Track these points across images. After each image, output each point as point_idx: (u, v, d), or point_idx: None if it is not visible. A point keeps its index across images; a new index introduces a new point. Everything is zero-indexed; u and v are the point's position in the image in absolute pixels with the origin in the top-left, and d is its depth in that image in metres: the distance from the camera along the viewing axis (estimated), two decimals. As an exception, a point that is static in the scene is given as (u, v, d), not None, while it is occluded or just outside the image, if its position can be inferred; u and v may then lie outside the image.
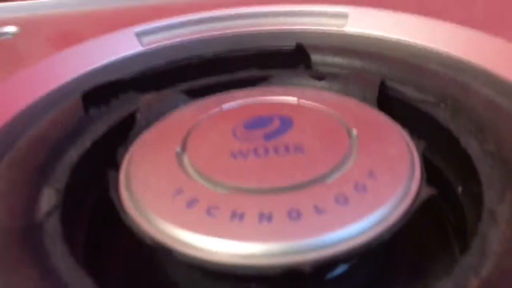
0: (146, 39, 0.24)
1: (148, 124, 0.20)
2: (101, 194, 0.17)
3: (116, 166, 0.18)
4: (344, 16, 0.25)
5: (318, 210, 0.15)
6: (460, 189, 0.19)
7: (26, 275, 0.13)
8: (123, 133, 0.20)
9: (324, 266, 0.14)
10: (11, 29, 0.25)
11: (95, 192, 0.18)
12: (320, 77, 0.23)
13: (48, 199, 0.17)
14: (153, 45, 0.24)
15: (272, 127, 0.18)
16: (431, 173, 0.17)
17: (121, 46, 0.24)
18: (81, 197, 0.18)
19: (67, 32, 0.25)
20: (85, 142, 0.20)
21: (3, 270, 0.13)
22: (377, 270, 0.17)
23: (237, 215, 0.15)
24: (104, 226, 0.17)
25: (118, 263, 0.18)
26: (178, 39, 0.25)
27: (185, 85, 0.24)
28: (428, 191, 0.16)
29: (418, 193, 0.16)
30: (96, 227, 0.17)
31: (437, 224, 0.19)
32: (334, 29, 0.25)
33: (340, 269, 0.16)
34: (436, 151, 0.20)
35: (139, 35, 0.24)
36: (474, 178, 0.17)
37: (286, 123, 0.18)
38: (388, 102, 0.21)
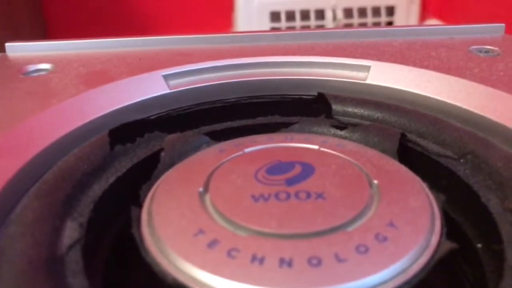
0: (172, 82, 0.25)
1: (171, 163, 0.21)
2: (123, 230, 0.18)
3: (139, 204, 0.18)
4: (366, 69, 0.26)
5: (338, 258, 0.15)
6: (479, 245, 0.19)
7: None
8: (147, 171, 0.21)
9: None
10: (45, 66, 0.26)
11: (117, 228, 0.18)
12: (341, 126, 0.23)
13: (71, 232, 0.17)
14: (179, 88, 0.25)
15: (293, 172, 0.18)
16: (449, 228, 0.17)
17: (149, 87, 0.25)
18: (103, 232, 0.18)
19: (97, 71, 0.26)
20: (109, 178, 0.20)
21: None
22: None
23: (257, 259, 0.15)
24: (124, 263, 0.18)
25: None
26: (204, 84, 0.26)
27: (208, 128, 0.24)
28: (448, 245, 0.16)
29: (438, 246, 0.16)
30: (116, 263, 0.18)
31: (455, 280, 0.19)
32: (356, 81, 0.26)
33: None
34: (455, 207, 0.20)
35: (166, 77, 0.25)
36: (494, 235, 0.17)
37: (307, 170, 0.19)
38: (408, 155, 0.22)
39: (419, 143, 0.22)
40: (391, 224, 0.16)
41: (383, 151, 0.21)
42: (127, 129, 0.22)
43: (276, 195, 0.17)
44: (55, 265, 0.15)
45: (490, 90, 0.23)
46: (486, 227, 0.18)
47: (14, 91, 0.23)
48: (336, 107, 0.25)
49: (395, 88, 0.25)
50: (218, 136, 0.23)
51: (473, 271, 0.19)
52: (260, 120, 0.25)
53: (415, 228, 0.16)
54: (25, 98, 0.23)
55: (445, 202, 0.18)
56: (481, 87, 0.23)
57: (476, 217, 0.19)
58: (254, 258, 0.15)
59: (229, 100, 0.25)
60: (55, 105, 0.22)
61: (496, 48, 0.28)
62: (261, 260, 0.15)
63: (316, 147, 0.20)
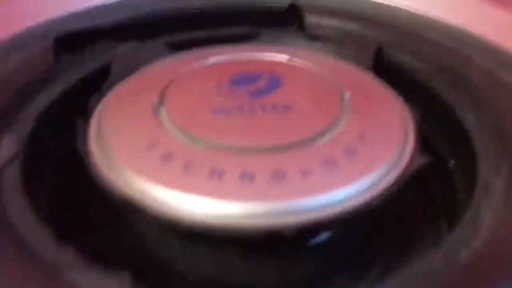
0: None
1: (124, 75, 0.18)
2: (68, 146, 0.16)
3: (86, 117, 0.16)
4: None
5: (304, 172, 0.13)
6: (452, 162, 0.18)
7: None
8: (97, 84, 0.18)
9: (307, 231, 0.13)
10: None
11: (61, 144, 0.17)
12: (313, 38, 0.21)
13: (8, 146, 0.15)
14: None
15: (259, 84, 0.17)
16: (422, 144, 0.16)
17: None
18: (46, 148, 0.16)
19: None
20: (54, 90, 0.18)
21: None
22: (362, 241, 0.16)
23: (217, 173, 0.13)
24: (71, 181, 0.16)
25: (84, 221, 0.17)
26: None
27: (167, 38, 0.22)
28: (421, 160, 0.15)
29: (410, 162, 0.15)
30: (62, 181, 0.16)
31: (425, 197, 0.19)
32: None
33: (323, 236, 0.15)
34: (430, 123, 0.19)
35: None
36: (468, 150, 0.16)
37: (275, 81, 0.17)
38: (384, 69, 0.20)
39: (395, 56, 0.21)
40: (361, 137, 0.15)
41: (358, 64, 0.19)
42: (76, 37, 0.20)
43: (240, 108, 0.16)
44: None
45: (472, 2, 0.22)
46: (460, 143, 0.17)
47: None
48: (309, 18, 0.23)
49: (373, 1, 0.23)
50: (178, 48, 0.21)
51: (444, 188, 0.18)
52: (227, 30, 0.23)
53: (387, 142, 0.15)
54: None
55: (420, 118, 0.17)
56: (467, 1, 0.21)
57: (450, 133, 0.18)
58: (213, 172, 0.13)
59: (191, 8, 0.23)
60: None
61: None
62: (221, 174, 0.13)
63: (285, 57, 0.19)
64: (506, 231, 0.13)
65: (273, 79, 0.17)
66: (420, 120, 0.17)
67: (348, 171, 0.14)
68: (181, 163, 0.14)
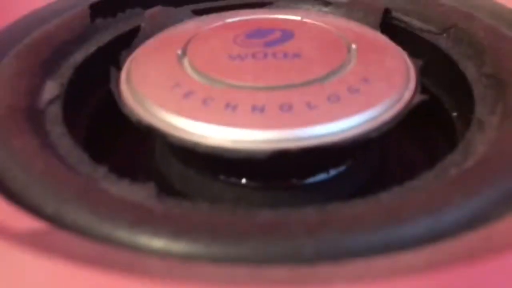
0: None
1: (152, 33, 0.20)
2: (103, 89, 0.18)
3: (118, 67, 0.18)
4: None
5: (309, 105, 0.15)
6: (455, 114, 0.19)
7: (26, 141, 0.14)
8: (128, 42, 0.20)
9: (311, 153, 0.14)
10: None
11: (97, 90, 0.19)
12: (326, 3, 0.23)
13: (51, 89, 0.17)
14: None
15: (272, 37, 0.18)
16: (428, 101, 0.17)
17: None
18: (84, 93, 0.18)
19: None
20: (90, 48, 0.20)
21: (6, 136, 0.14)
22: (369, 177, 0.18)
23: (231, 106, 0.15)
24: (104, 115, 0.18)
25: (115, 148, 0.19)
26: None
27: (191, 6, 0.24)
28: (420, 97, 0.16)
29: (410, 100, 0.16)
30: (97, 116, 0.18)
31: (428, 141, 0.20)
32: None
33: (326, 174, 0.17)
34: (434, 79, 0.20)
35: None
36: (470, 103, 0.18)
37: (287, 35, 0.18)
38: (391, 30, 0.22)
39: (402, 19, 0.22)
40: (365, 80, 0.16)
41: (366, 24, 0.21)
42: (108, 3, 0.22)
43: (253, 55, 0.17)
44: (34, 115, 0.16)
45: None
46: (462, 95, 0.18)
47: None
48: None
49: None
50: (202, 13, 0.22)
51: (447, 138, 0.19)
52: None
53: (389, 83, 0.16)
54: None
55: (423, 68, 0.18)
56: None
57: (454, 87, 0.19)
58: (227, 105, 0.15)
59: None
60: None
61: None
62: (234, 107, 0.15)
63: (298, 17, 0.20)
64: (496, 156, 0.14)
65: (285, 33, 0.19)
66: (424, 71, 0.18)
67: (350, 105, 0.15)
68: (199, 99, 0.16)
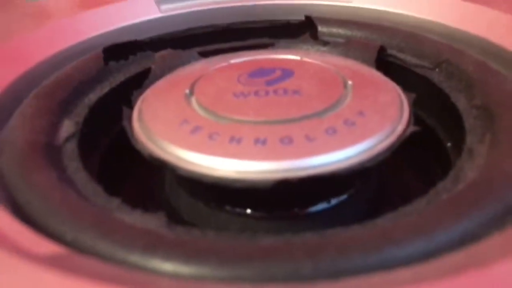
0: (165, 7, 0.26)
1: (162, 75, 0.22)
2: (116, 127, 0.19)
3: (130, 106, 0.20)
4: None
5: (308, 138, 0.16)
6: (449, 144, 0.20)
7: (45, 175, 0.15)
8: (139, 83, 0.22)
9: (310, 183, 0.15)
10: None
11: (111, 128, 0.20)
12: (324, 43, 0.24)
13: (67, 128, 0.18)
14: (172, 12, 0.26)
15: (274, 76, 0.20)
16: (423, 132, 0.18)
17: (141, 11, 0.26)
18: (98, 130, 0.20)
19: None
20: (104, 88, 0.21)
21: (27, 171, 0.15)
22: (367, 204, 0.19)
23: (235, 140, 0.16)
24: (118, 151, 0.19)
25: (129, 184, 0.20)
26: (196, 9, 0.27)
27: (198, 48, 0.25)
28: (413, 129, 0.17)
29: (404, 132, 0.17)
30: (110, 152, 0.19)
31: (424, 172, 0.21)
32: (341, 4, 0.27)
33: (327, 203, 0.18)
34: (428, 111, 0.21)
35: (158, 2, 0.26)
36: (460, 129, 0.19)
37: (287, 73, 0.20)
38: (386, 67, 0.23)
39: (397, 56, 0.23)
40: (361, 113, 0.17)
41: (363, 62, 0.22)
42: (121, 48, 0.24)
43: (256, 92, 0.19)
44: (53, 151, 0.17)
45: (464, 4, 0.24)
46: (455, 126, 0.19)
47: (12, 13, 0.24)
48: (321, 28, 0.26)
49: (378, 9, 0.26)
50: (208, 55, 0.24)
51: (442, 166, 0.20)
52: (250, 42, 0.26)
53: (382, 117, 0.17)
54: (23, 19, 0.24)
55: (419, 109, 0.20)
56: (457, 2, 0.24)
57: (447, 118, 0.20)
58: (232, 139, 0.16)
59: (220, 25, 0.27)
60: (51, 23, 0.23)
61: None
62: (239, 141, 0.16)
63: (297, 57, 0.22)
64: (484, 181, 0.15)
65: (285, 72, 0.20)
66: (419, 104, 0.20)
67: (347, 137, 0.16)
68: (206, 134, 0.17)
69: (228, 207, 0.17)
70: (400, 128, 0.17)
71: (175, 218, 0.15)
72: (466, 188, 0.14)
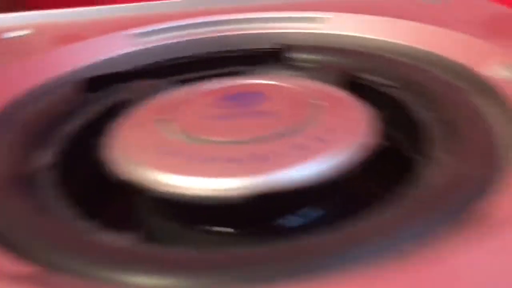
0: (142, 40, 0.27)
1: (139, 103, 0.22)
2: (91, 154, 0.19)
3: (106, 135, 0.20)
4: (323, 20, 0.28)
5: (280, 155, 0.17)
6: (420, 158, 0.21)
7: (23, 203, 0.15)
8: (117, 112, 0.22)
9: (283, 196, 0.16)
10: (24, 32, 0.28)
11: (87, 157, 0.20)
12: (297, 68, 0.25)
13: (44, 157, 0.19)
14: (149, 45, 0.27)
15: (247, 98, 0.20)
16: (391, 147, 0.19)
17: (120, 45, 0.26)
18: (74, 159, 0.20)
19: (73, 34, 0.27)
20: (81, 119, 0.22)
21: (4, 199, 0.16)
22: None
23: (209, 159, 0.17)
24: (93, 177, 0.19)
25: (106, 207, 0.20)
26: (172, 41, 0.28)
27: (174, 78, 0.26)
28: (380, 144, 0.18)
29: (371, 147, 0.18)
30: (86, 178, 0.20)
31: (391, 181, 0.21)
32: (312, 31, 0.28)
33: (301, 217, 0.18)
34: (397, 127, 0.22)
35: (136, 36, 0.27)
36: (427, 142, 0.19)
37: (259, 96, 0.21)
38: (357, 89, 0.24)
39: (368, 78, 0.24)
40: (330, 130, 0.18)
41: (333, 84, 0.23)
42: (98, 80, 0.24)
43: (230, 115, 0.19)
44: (30, 180, 0.17)
45: (433, 28, 0.25)
46: (423, 139, 0.20)
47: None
48: (294, 54, 0.27)
49: (349, 35, 0.27)
50: (185, 83, 0.25)
51: (410, 177, 0.21)
52: (224, 70, 0.27)
53: (352, 134, 0.18)
54: (4, 55, 0.24)
55: (386, 125, 0.20)
56: (424, 27, 0.25)
57: (414, 132, 0.21)
58: (206, 159, 0.17)
59: (192, 56, 0.28)
60: (33, 57, 0.24)
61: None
62: (213, 160, 0.17)
63: (271, 82, 0.22)
64: (445, 189, 0.15)
65: (258, 95, 0.21)
66: (386, 121, 0.20)
67: (317, 153, 0.17)
68: (182, 156, 0.17)
69: (203, 226, 0.17)
70: (367, 143, 0.18)
71: (150, 237, 0.15)
72: (430, 195, 0.15)
